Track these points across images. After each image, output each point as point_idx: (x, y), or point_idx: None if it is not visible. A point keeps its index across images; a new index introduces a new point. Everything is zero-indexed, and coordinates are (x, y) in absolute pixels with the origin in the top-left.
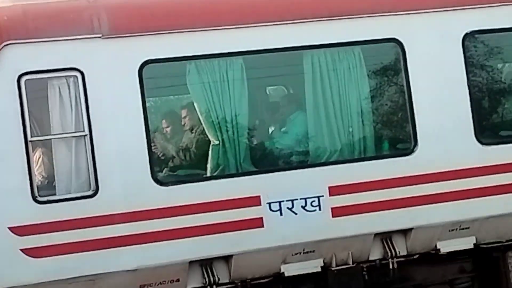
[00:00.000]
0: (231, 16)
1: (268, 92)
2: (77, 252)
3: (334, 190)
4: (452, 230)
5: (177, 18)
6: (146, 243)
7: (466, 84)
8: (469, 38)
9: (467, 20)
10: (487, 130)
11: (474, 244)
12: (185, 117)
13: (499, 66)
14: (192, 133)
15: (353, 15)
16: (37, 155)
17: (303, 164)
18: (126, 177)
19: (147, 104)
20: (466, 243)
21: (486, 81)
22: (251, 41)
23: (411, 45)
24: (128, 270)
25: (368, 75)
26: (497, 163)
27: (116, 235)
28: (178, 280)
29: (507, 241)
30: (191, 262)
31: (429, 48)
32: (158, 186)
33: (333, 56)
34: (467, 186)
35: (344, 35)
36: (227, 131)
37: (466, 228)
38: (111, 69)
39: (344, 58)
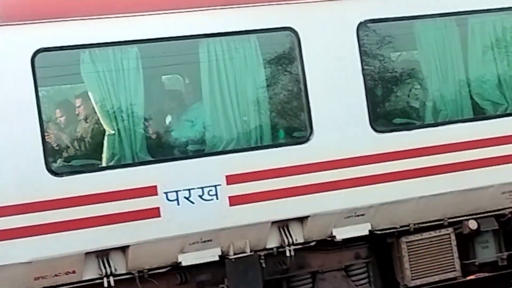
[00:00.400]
0: (126, 3)
1: (164, 81)
2: None
3: (231, 179)
4: (348, 217)
5: (71, 5)
6: (40, 234)
7: (360, 73)
8: (363, 27)
9: (361, 9)
10: (381, 118)
11: (369, 231)
12: (79, 107)
13: (392, 55)
14: (86, 122)
15: (249, 4)
16: None
17: (200, 153)
18: (19, 168)
19: (40, 94)
20: (361, 229)
21: (379, 70)
22: (146, 30)
23: (306, 34)
24: (22, 263)
25: (263, 64)
26: (391, 150)
27: (9, 227)
28: (74, 272)
29: (401, 227)
30: (87, 253)
31: (324, 37)
32: (52, 176)
33: (229, 45)
34: (362, 174)
35: (240, 24)
36: (122, 120)
37: (361, 215)
38: (3, 58)
39: (240, 47)
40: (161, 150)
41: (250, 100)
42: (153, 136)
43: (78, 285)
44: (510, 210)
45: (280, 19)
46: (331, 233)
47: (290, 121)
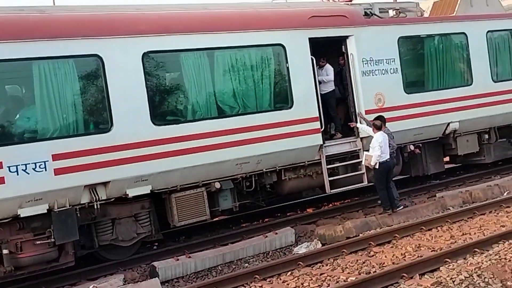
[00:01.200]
0: None
1: (6, 89)
2: None
3: (56, 157)
4: (136, 182)
5: None
6: None
7: (144, 86)
8: (146, 56)
9: (144, 44)
10: (159, 116)
11: (150, 190)
12: None
13: (166, 74)
14: None
15: (66, 37)
16: None
17: (33, 139)
18: None
19: None
20: (145, 190)
21: (157, 84)
22: None
23: (108, 59)
24: None
25: (78, 79)
26: (165, 137)
27: None
28: None
29: (171, 187)
30: None
31: (121, 61)
32: None
33: (54, 65)
34: (146, 153)
35: (60, 51)
36: None
37: (145, 180)
38: None
39: (62, 67)
40: (5, 137)
41: (69, 104)
42: (0, 126)
43: None
44: (240, 175)
45: (89, 49)
46: (125, 192)
47: (98, 117)
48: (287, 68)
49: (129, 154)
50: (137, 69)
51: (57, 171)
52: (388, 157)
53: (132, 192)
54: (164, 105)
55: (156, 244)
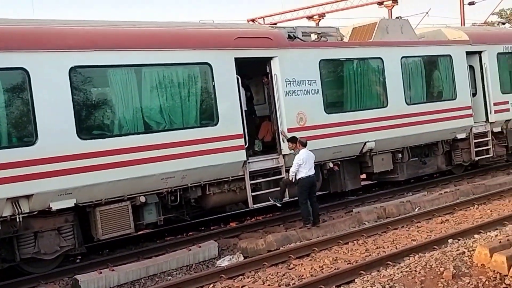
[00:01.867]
0: None
1: None
2: None
3: None
4: (61, 195)
5: None
6: None
7: (71, 100)
8: (73, 70)
9: (72, 59)
10: (84, 130)
11: (75, 204)
12: None
13: (93, 89)
14: None
15: None
16: None
17: None
18: None
19: None
20: (69, 203)
21: (84, 98)
22: None
23: (35, 72)
24: None
25: (2, 92)
26: (91, 151)
27: None
28: None
29: (96, 201)
30: None
31: (47, 75)
32: None
33: None
34: (71, 166)
35: None
36: None
37: (69, 193)
38: None
39: None
40: None
41: None
42: None
43: None
44: (165, 189)
45: (15, 62)
46: (49, 205)
47: (22, 130)
48: (213, 86)
49: (54, 168)
50: (64, 83)
51: None
52: (312, 173)
53: (55, 206)
54: (90, 119)
55: (79, 257)
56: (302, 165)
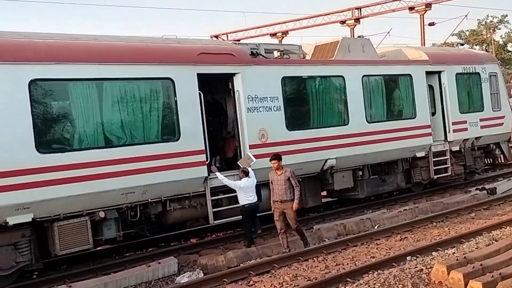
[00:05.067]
0: None
1: None
2: None
3: None
4: (18, 209)
5: None
6: None
7: (30, 113)
8: (33, 83)
9: (31, 71)
10: (43, 143)
11: (32, 218)
12: None
13: (53, 102)
14: None
15: None
16: None
17: None
18: None
19: None
20: (26, 218)
21: (44, 112)
22: None
23: None
24: None
25: None
26: (50, 165)
27: None
28: None
29: (54, 215)
30: None
31: (5, 87)
32: None
33: None
34: (29, 180)
35: None
36: None
37: (27, 208)
38: None
39: None
40: None
41: None
42: None
43: None
44: (125, 205)
45: None
46: (5, 220)
47: None
48: (175, 101)
49: (11, 181)
50: (23, 96)
51: None
52: (254, 200)
53: (12, 220)
54: (50, 133)
55: (36, 273)
56: (243, 191)
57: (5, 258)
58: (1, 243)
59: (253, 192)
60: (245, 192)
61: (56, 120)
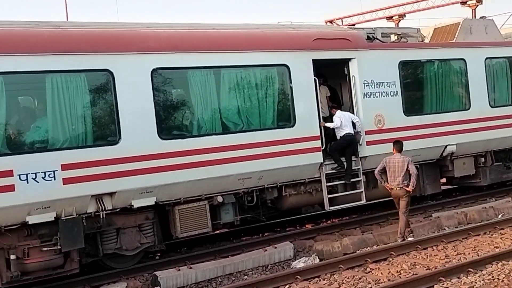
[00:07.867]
0: None
1: (19, 100)
2: None
3: (65, 167)
4: (141, 193)
5: None
6: None
7: (152, 101)
8: (155, 72)
9: (154, 61)
10: (165, 130)
11: (155, 202)
12: None
13: (173, 90)
14: None
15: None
16: None
17: (44, 149)
18: None
19: None
20: (149, 201)
21: (165, 100)
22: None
23: (119, 74)
24: None
25: (88, 93)
26: (171, 151)
27: None
28: None
29: (175, 199)
30: None
31: (130, 76)
32: None
33: (66, 78)
34: (153, 165)
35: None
36: None
37: (150, 192)
38: None
39: (72, 82)
40: (16, 146)
41: (79, 116)
42: (12, 136)
43: None
44: (242, 190)
45: (100, 64)
46: (131, 203)
47: (104, 130)
48: (291, 87)
49: (136, 166)
50: (146, 85)
51: (66, 181)
52: (350, 132)
53: (137, 203)
54: (170, 119)
55: (159, 254)
56: (342, 125)
57: (130, 239)
58: (127, 225)
59: (350, 124)
60: (343, 126)
61: (176, 108)
